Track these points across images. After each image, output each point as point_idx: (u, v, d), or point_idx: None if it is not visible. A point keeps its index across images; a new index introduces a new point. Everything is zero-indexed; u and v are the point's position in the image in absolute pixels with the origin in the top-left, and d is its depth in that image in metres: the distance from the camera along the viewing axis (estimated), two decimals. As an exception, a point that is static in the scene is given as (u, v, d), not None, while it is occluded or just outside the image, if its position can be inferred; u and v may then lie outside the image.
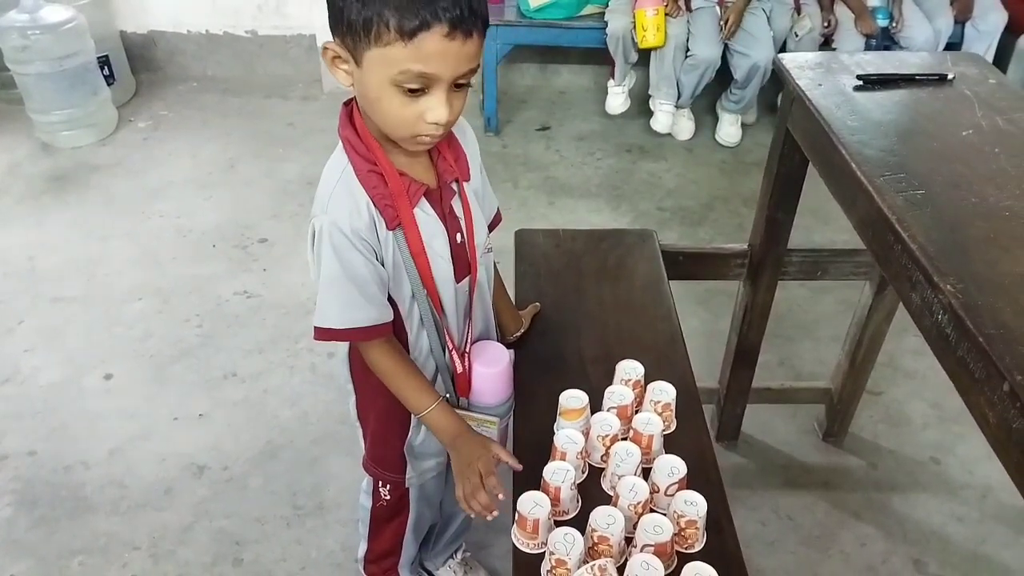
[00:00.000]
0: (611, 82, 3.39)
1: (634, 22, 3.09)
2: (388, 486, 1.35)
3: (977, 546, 1.79)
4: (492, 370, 1.20)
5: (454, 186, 1.10)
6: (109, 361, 2.21)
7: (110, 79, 3.42)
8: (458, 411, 1.18)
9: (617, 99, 3.38)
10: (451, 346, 1.16)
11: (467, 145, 1.12)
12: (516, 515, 1.04)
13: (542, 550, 1.02)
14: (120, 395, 2.12)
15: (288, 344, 2.27)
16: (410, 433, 1.25)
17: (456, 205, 1.10)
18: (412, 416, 1.21)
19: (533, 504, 1.04)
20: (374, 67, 0.89)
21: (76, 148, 3.21)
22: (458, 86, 0.93)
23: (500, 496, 1.07)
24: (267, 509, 1.83)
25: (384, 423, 1.25)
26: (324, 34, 3.40)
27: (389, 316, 1.07)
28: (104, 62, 3.37)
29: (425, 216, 1.05)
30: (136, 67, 3.70)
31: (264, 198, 2.93)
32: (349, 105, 1.03)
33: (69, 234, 2.72)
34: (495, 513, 1.08)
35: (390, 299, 1.08)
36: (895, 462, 1.98)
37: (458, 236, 1.10)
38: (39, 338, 2.29)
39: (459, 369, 1.18)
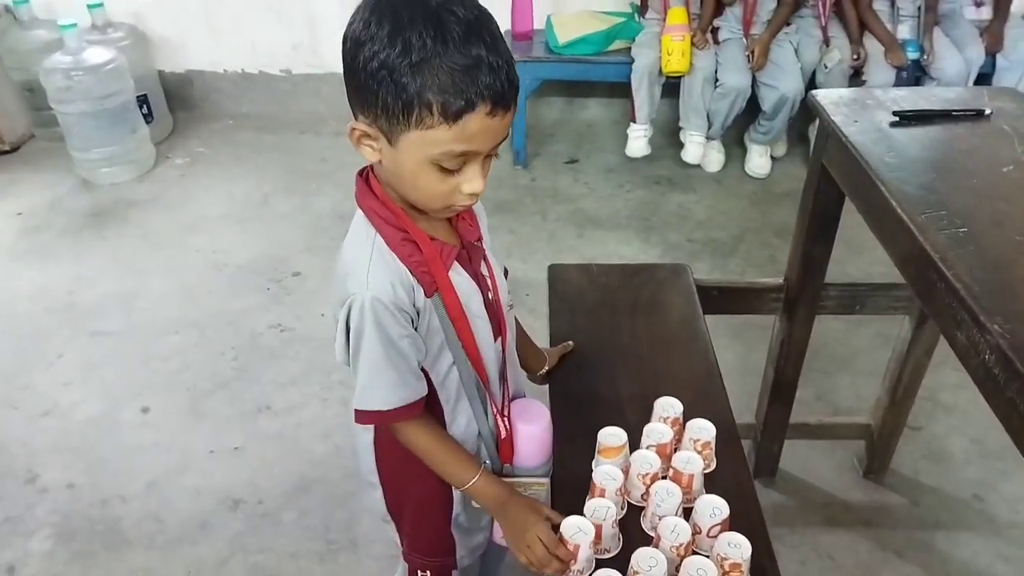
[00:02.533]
0: (632, 126, 3.35)
1: (660, 51, 3.12)
2: (427, 574, 1.28)
3: (1026, 588, 1.74)
4: (535, 427, 1.17)
5: (477, 244, 1.08)
6: (146, 394, 2.25)
7: (148, 117, 3.51)
8: (505, 479, 1.15)
9: (638, 143, 3.35)
10: (495, 410, 1.14)
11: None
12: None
13: (606, 555, 1.04)
14: (157, 428, 2.14)
15: (320, 377, 2.29)
16: (455, 510, 1.19)
17: (482, 264, 1.09)
18: (454, 492, 1.17)
19: (576, 530, 1.03)
20: (412, 147, 0.87)
21: (115, 184, 3.29)
22: (489, 154, 0.92)
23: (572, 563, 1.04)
24: (301, 544, 1.83)
25: (424, 510, 1.20)
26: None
27: (425, 390, 1.04)
28: (143, 101, 3.47)
29: (460, 278, 1.03)
30: (173, 105, 3.80)
31: (297, 232, 2.97)
32: (364, 174, 1.01)
33: (108, 269, 2.78)
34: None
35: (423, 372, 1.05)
36: (937, 499, 1.93)
37: (489, 295, 1.09)
38: (78, 372, 2.33)
39: (503, 433, 1.16)
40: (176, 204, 3.18)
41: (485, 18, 0.86)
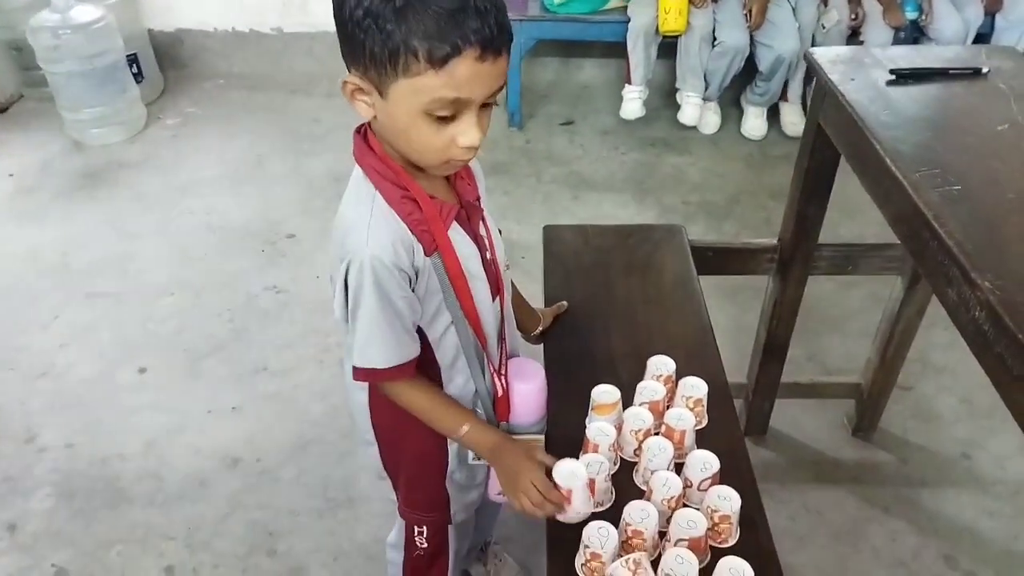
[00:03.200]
0: (627, 87, 3.31)
1: (657, 10, 3.08)
2: (424, 532, 1.30)
3: (1010, 542, 1.77)
4: (531, 386, 1.19)
5: (476, 204, 1.08)
6: (142, 355, 2.25)
7: (139, 77, 3.46)
8: None
9: (633, 104, 3.31)
10: (492, 369, 1.15)
11: (473, 164, 1.10)
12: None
13: (599, 508, 1.06)
14: (154, 389, 2.16)
15: (317, 339, 2.30)
16: (449, 465, 1.20)
17: (480, 224, 1.09)
18: (449, 448, 1.18)
19: (569, 474, 1.05)
20: (403, 98, 0.86)
21: (106, 145, 3.26)
22: (485, 105, 0.91)
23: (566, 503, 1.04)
24: (299, 501, 1.86)
25: (420, 464, 1.22)
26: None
27: (418, 350, 1.05)
28: (133, 60, 3.42)
29: (459, 238, 1.03)
30: (164, 65, 3.74)
31: (291, 194, 2.96)
32: (362, 131, 0.99)
33: (101, 230, 2.77)
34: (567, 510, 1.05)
35: (419, 332, 1.06)
36: (925, 457, 1.96)
37: (487, 254, 1.09)
38: (73, 333, 2.34)
39: (500, 392, 1.17)
40: (168, 165, 3.16)
41: None
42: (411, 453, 1.21)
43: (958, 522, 1.81)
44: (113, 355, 2.26)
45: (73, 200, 2.93)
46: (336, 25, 0.88)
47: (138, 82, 3.43)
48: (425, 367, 1.09)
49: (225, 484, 1.90)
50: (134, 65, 3.43)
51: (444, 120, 0.88)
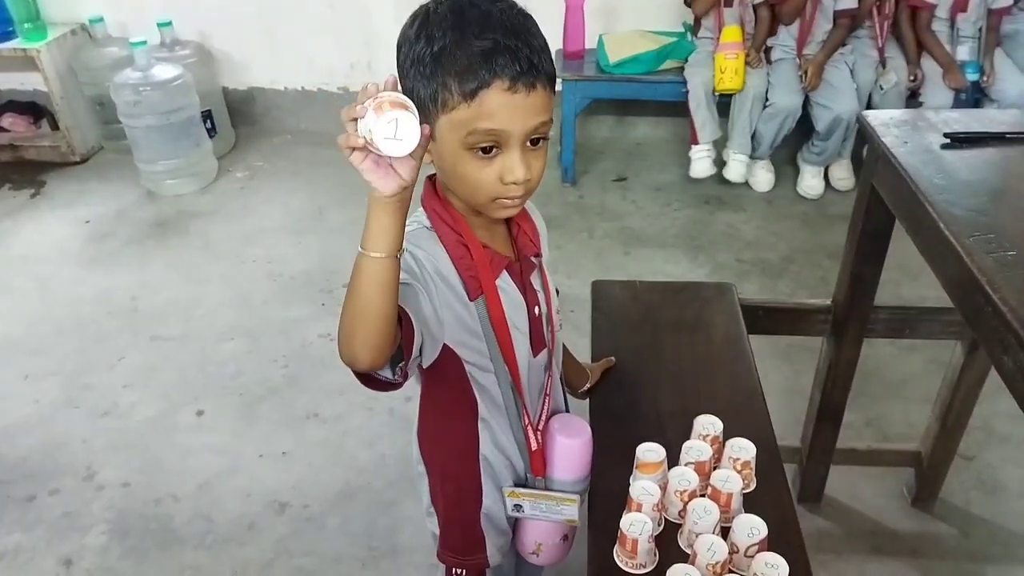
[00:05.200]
0: (693, 148, 3.32)
1: (713, 70, 3.12)
2: (463, 574, 1.29)
3: (1083, 627, 1.67)
4: (575, 441, 1.18)
5: (534, 260, 1.10)
6: (202, 398, 2.32)
7: (212, 132, 3.64)
8: (534, 491, 1.17)
9: (702, 164, 3.32)
10: (527, 421, 1.15)
11: (537, 221, 1.14)
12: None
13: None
14: (210, 431, 2.21)
15: (368, 387, 2.33)
16: (484, 502, 1.20)
17: (535, 279, 1.11)
18: (483, 485, 1.18)
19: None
20: (446, 134, 0.91)
21: (179, 196, 3.42)
22: (533, 143, 0.92)
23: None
24: (344, 549, 1.87)
25: (454, 501, 1.22)
26: (410, 89, 3.58)
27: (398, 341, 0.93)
28: (207, 116, 3.60)
29: (507, 287, 1.06)
30: (236, 121, 3.93)
31: (349, 245, 2.96)
32: (433, 178, 1.04)
33: (169, 276, 2.89)
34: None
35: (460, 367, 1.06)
36: (988, 531, 1.87)
37: (536, 309, 1.10)
38: (137, 374, 2.43)
39: (535, 446, 1.17)
40: (235, 216, 3.29)
41: (509, 9, 0.90)
42: (447, 488, 1.22)
43: (1026, 603, 1.72)
44: (174, 397, 2.33)
45: (145, 247, 3.07)
46: (399, 80, 0.93)
47: (211, 136, 3.61)
48: (463, 405, 1.10)
49: (272, 529, 1.92)
50: (208, 120, 3.61)
51: (487, 154, 0.91)
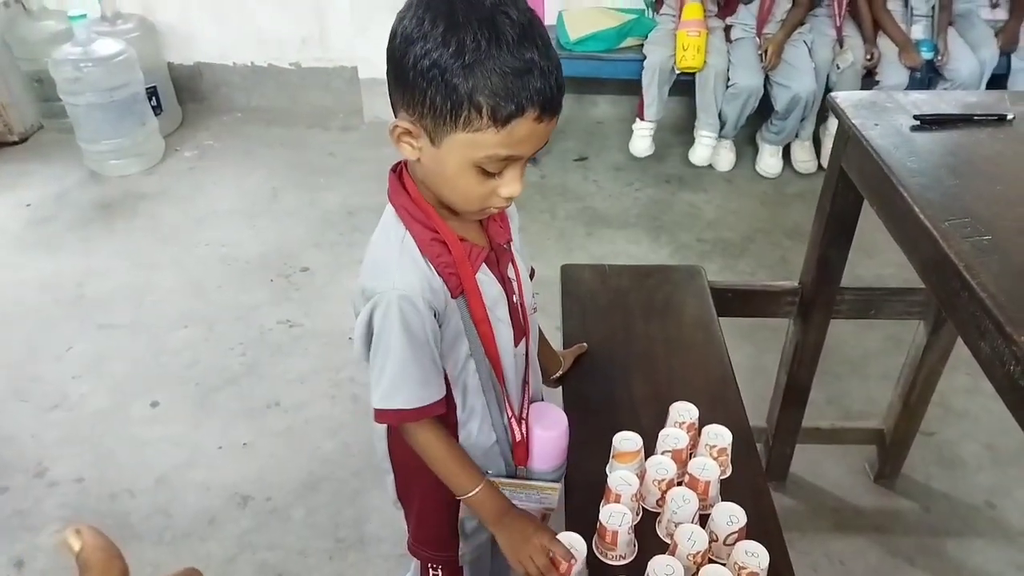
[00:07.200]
0: (637, 123, 3.35)
1: (675, 46, 3.10)
2: (440, 572, 1.28)
3: (1038, 596, 1.73)
4: (552, 433, 1.17)
5: (506, 247, 1.08)
6: (156, 388, 2.24)
7: (157, 109, 3.50)
8: (516, 480, 1.15)
9: (643, 141, 3.35)
10: (511, 414, 1.13)
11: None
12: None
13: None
14: (166, 423, 2.14)
15: (330, 374, 2.28)
16: (462, 508, 1.19)
17: (509, 268, 1.08)
18: None
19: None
20: (456, 149, 0.87)
21: (124, 176, 3.29)
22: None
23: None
24: (309, 541, 1.83)
25: (431, 500, 1.20)
26: (365, 66, 3.49)
27: (444, 390, 1.04)
28: (152, 93, 3.46)
29: (487, 280, 1.03)
30: (182, 98, 3.79)
31: (306, 227, 2.96)
32: (398, 170, 1.00)
33: (117, 261, 2.77)
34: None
35: None
36: (949, 506, 1.92)
37: (514, 298, 1.08)
38: (87, 365, 2.33)
39: (519, 437, 1.15)
40: (185, 197, 3.17)
41: (537, 22, 0.86)
42: (423, 487, 1.19)
43: (984, 574, 1.76)
44: (126, 388, 2.25)
45: (89, 231, 2.95)
46: (391, 70, 0.88)
47: (157, 114, 3.47)
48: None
49: (235, 523, 1.87)
50: (153, 98, 3.47)
51: (490, 173, 0.89)
